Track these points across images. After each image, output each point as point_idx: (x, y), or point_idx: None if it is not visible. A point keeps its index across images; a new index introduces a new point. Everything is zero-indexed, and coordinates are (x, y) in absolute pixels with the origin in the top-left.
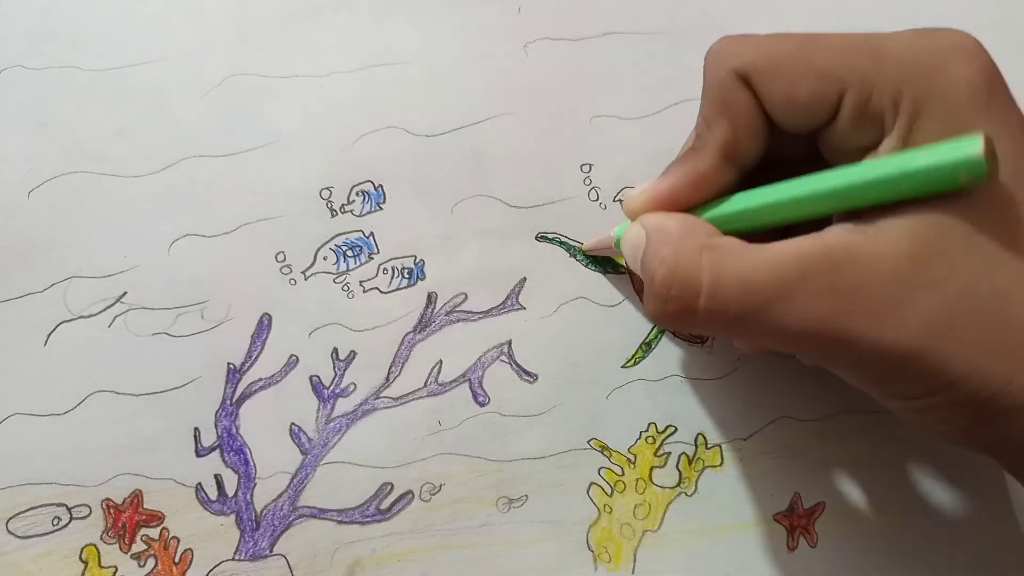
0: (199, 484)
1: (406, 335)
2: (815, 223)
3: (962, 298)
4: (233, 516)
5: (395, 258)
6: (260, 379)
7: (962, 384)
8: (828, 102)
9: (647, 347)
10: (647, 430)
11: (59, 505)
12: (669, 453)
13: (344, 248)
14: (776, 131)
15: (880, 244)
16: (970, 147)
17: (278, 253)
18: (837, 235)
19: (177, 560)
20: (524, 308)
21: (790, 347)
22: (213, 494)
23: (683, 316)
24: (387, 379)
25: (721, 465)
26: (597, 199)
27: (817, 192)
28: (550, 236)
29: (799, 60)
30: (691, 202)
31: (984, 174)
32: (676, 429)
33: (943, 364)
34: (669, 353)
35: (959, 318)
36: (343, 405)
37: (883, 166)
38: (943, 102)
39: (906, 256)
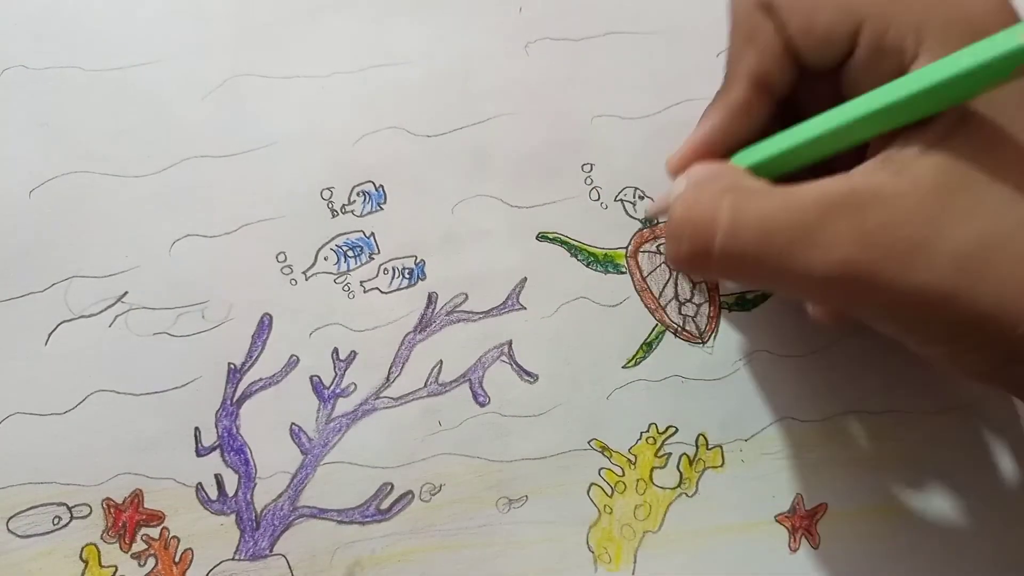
0: (199, 484)
1: (406, 335)
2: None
3: (989, 232)
4: (233, 516)
5: (396, 258)
6: (260, 379)
7: (992, 323)
8: (846, 33)
9: (648, 347)
10: (648, 430)
11: (59, 504)
12: (670, 454)
13: (345, 248)
14: (803, 76)
15: (905, 180)
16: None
17: (279, 253)
18: (862, 174)
19: (177, 560)
20: (524, 308)
21: (815, 294)
22: (213, 494)
23: (698, 258)
24: (387, 379)
25: (722, 466)
26: (598, 199)
27: (866, 111)
28: (551, 236)
29: None
30: (729, 142)
31: None
32: (677, 429)
33: (973, 304)
34: (670, 353)
35: (987, 254)
36: (343, 405)
37: (939, 69)
38: (969, 27)
39: (931, 191)
